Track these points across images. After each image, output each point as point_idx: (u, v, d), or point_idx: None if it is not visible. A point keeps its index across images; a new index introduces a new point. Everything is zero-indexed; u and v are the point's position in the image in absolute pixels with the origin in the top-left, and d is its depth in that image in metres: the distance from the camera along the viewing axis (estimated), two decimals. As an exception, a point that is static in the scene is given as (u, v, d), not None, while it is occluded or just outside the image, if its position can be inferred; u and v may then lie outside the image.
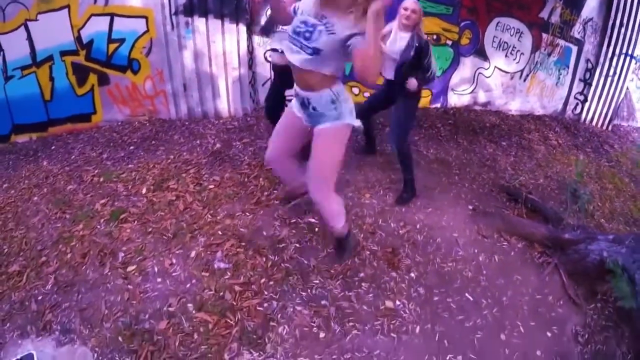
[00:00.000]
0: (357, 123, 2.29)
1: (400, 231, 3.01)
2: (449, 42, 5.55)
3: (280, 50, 3.03)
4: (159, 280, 2.51)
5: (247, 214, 3.03)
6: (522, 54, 5.98)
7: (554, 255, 2.97)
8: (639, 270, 2.50)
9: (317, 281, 2.53)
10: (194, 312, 2.30)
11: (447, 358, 2.23)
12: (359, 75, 1.83)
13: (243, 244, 2.74)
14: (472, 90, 5.97)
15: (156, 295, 2.41)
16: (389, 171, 3.74)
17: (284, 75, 2.96)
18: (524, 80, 6.18)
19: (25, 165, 3.90)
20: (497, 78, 6.01)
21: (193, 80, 4.51)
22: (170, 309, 2.32)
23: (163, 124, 4.51)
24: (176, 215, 3.01)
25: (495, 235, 3.12)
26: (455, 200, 3.48)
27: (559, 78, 6.38)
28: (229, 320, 2.25)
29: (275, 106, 3.44)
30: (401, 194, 3.38)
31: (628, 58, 6.27)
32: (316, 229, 2.92)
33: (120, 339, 2.18)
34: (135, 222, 2.96)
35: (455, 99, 5.95)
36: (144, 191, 3.29)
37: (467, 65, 5.78)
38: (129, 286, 2.47)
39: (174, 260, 2.63)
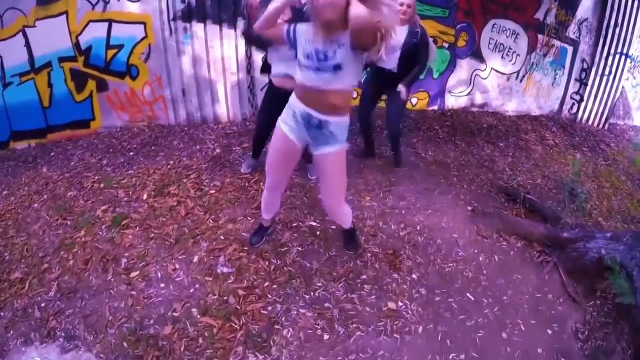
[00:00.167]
0: None
1: (400, 233, 3.04)
2: (446, 45, 5.59)
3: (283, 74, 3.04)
4: (162, 285, 2.52)
5: (249, 218, 3.04)
6: (518, 55, 6.03)
7: (553, 254, 3.00)
8: (637, 267, 2.54)
9: (320, 284, 2.55)
10: (198, 316, 2.31)
11: (450, 357, 2.25)
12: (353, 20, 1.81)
13: (245, 248, 2.76)
14: (469, 92, 6.02)
15: (160, 300, 2.42)
16: (388, 174, 3.77)
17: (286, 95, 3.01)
18: (520, 81, 6.22)
19: (24, 171, 3.89)
20: (493, 79, 6.05)
21: (192, 85, 4.53)
22: (174, 314, 2.33)
23: (162, 130, 4.52)
24: (178, 221, 3.02)
25: (495, 235, 3.15)
26: (454, 202, 3.50)
27: (554, 78, 6.43)
28: (233, 324, 2.27)
29: (268, 128, 3.41)
30: (396, 160, 3.90)
31: (623, 57, 6.33)
32: (317, 233, 2.95)
33: (125, 344, 2.19)
34: (137, 227, 2.97)
35: (453, 101, 5.98)
36: (144, 197, 3.29)
37: (464, 67, 5.82)
38: (133, 292, 2.48)
39: (177, 266, 2.64)
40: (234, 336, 2.21)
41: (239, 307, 2.36)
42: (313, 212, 3.14)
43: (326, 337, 2.25)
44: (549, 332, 2.48)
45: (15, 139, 4.39)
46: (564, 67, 6.42)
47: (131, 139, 4.34)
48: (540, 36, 6.00)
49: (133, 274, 2.59)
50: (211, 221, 3.01)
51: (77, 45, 4.21)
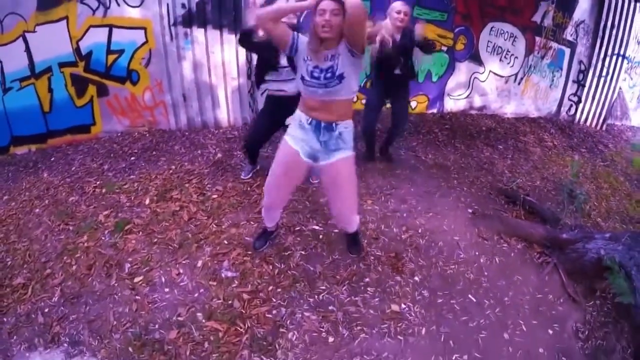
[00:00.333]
0: None
1: (402, 236, 3.06)
2: (444, 48, 5.64)
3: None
4: (166, 290, 2.53)
5: (252, 222, 3.05)
6: (516, 57, 6.08)
7: (552, 255, 3.02)
8: (636, 266, 2.56)
9: (324, 287, 2.56)
10: (203, 321, 2.32)
11: (453, 358, 2.26)
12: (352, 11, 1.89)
13: (249, 252, 2.77)
14: (468, 95, 6.06)
15: (165, 305, 2.43)
16: (389, 177, 3.80)
17: (287, 103, 3.03)
18: (519, 83, 6.27)
19: (25, 177, 3.89)
20: (492, 82, 6.10)
21: (192, 90, 4.55)
22: (179, 318, 2.34)
23: (163, 135, 4.53)
24: (181, 226, 3.03)
25: (495, 237, 3.17)
26: (455, 204, 3.52)
27: (552, 80, 6.48)
28: (238, 328, 2.28)
29: (263, 140, 3.47)
30: (389, 157, 4.16)
31: (620, 58, 6.39)
32: (320, 236, 2.96)
33: (130, 349, 2.19)
34: (140, 232, 2.98)
35: (452, 104, 6.02)
36: (147, 202, 3.30)
37: (463, 70, 5.87)
38: (137, 297, 2.48)
39: (181, 270, 2.65)
40: (239, 340, 2.22)
41: (243, 311, 2.37)
42: (315, 216, 3.16)
43: (331, 339, 2.27)
44: (550, 332, 2.51)
45: (15, 144, 4.39)
46: (561, 69, 6.47)
47: (132, 143, 4.35)
48: (537, 39, 6.05)
49: (137, 279, 2.60)
50: (214, 226, 3.02)
51: (77, 50, 4.23)
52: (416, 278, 2.71)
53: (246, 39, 3.01)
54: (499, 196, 3.81)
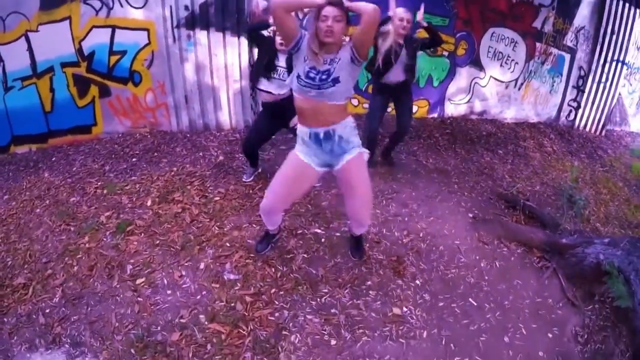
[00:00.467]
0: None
1: (404, 240, 3.07)
2: (445, 53, 5.67)
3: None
4: (169, 292, 2.53)
5: (254, 225, 3.06)
6: (516, 63, 6.11)
7: (552, 259, 3.05)
8: (634, 271, 2.60)
9: (326, 290, 2.57)
10: (206, 323, 2.33)
11: (454, 360, 2.28)
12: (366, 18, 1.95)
13: (251, 255, 2.78)
14: (469, 100, 6.08)
15: (167, 307, 2.43)
16: (391, 181, 3.82)
17: (280, 108, 3.15)
18: (519, 88, 6.30)
19: (25, 176, 3.89)
20: (492, 87, 6.13)
21: (194, 92, 4.55)
22: (182, 320, 2.34)
23: (164, 136, 4.53)
24: (183, 228, 3.03)
25: (496, 241, 3.19)
26: (455, 209, 3.54)
27: (552, 86, 6.51)
28: (241, 330, 2.28)
29: (260, 142, 3.50)
30: (391, 161, 4.20)
31: (619, 64, 6.43)
32: (322, 240, 2.98)
33: (132, 351, 2.19)
34: (142, 234, 2.98)
35: (452, 109, 6.05)
36: (149, 203, 3.30)
37: (463, 76, 5.89)
38: (139, 298, 2.49)
39: (183, 272, 2.65)
40: (242, 342, 2.23)
41: (246, 314, 2.38)
42: (317, 220, 3.18)
43: (333, 342, 2.28)
44: (550, 335, 2.53)
45: (16, 143, 4.39)
46: (561, 75, 6.50)
47: (133, 145, 4.35)
48: (538, 44, 6.09)
49: (139, 281, 2.60)
50: (216, 228, 3.03)
51: (80, 50, 4.22)
52: (417, 281, 2.73)
53: (256, 32, 3.18)
54: (499, 201, 3.83)
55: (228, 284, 2.57)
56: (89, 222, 3.13)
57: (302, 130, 2.23)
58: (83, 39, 4.20)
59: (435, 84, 5.79)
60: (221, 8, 4.31)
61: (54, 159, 4.21)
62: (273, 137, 3.67)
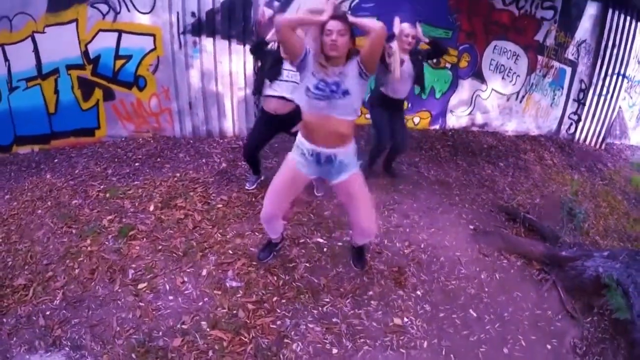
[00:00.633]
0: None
1: (405, 251, 3.09)
2: (448, 65, 5.71)
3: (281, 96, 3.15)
4: (171, 298, 2.53)
5: (257, 233, 3.06)
6: (518, 76, 6.15)
7: (552, 272, 3.07)
8: (633, 284, 2.62)
9: (328, 299, 2.58)
10: (208, 329, 2.32)
11: (454, 372, 2.29)
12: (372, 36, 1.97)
13: (254, 263, 2.78)
14: (470, 112, 6.12)
15: (169, 312, 2.43)
16: (392, 193, 3.84)
17: (281, 121, 3.19)
18: (520, 101, 6.33)
19: (27, 177, 3.89)
20: (494, 100, 6.16)
21: (199, 99, 4.57)
22: (183, 326, 2.34)
23: (168, 142, 4.53)
24: (185, 234, 3.03)
25: (496, 253, 3.21)
26: (456, 220, 3.57)
27: (553, 99, 6.54)
28: (243, 338, 2.28)
29: (259, 147, 3.51)
30: (393, 173, 4.21)
31: (620, 77, 6.47)
32: (324, 249, 2.99)
33: (133, 355, 2.18)
34: (145, 239, 2.98)
35: (454, 121, 6.08)
36: (151, 208, 3.31)
37: (466, 88, 5.93)
38: (141, 303, 2.48)
39: (185, 279, 2.65)
40: (244, 349, 2.22)
41: (248, 321, 2.38)
42: (320, 229, 3.19)
43: (335, 351, 2.28)
44: (549, 347, 2.54)
45: (18, 143, 4.40)
46: (562, 88, 6.54)
47: (136, 149, 4.35)
48: (540, 57, 6.13)
49: (141, 286, 2.59)
50: (219, 235, 3.03)
51: (85, 53, 4.25)
52: (418, 292, 2.74)
53: (259, 48, 3.24)
54: (499, 213, 3.86)
55: (230, 291, 2.57)
56: (90, 225, 3.12)
57: (303, 144, 2.22)
58: (89, 42, 4.22)
59: (438, 95, 5.83)
60: (227, 16, 4.35)
61: (56, 160, 4.22)
62: (276, 145, 3.69)
